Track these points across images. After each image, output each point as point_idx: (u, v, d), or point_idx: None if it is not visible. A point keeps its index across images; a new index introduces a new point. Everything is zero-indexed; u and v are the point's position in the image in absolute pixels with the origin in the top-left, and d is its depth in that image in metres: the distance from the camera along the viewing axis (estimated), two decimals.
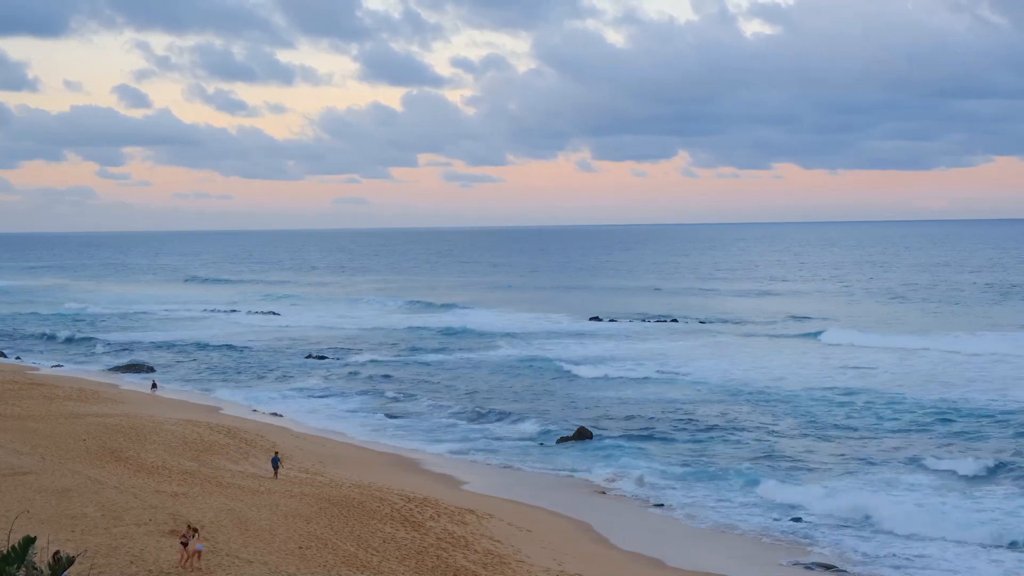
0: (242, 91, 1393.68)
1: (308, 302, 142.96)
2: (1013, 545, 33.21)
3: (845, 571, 31.54)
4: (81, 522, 31.79)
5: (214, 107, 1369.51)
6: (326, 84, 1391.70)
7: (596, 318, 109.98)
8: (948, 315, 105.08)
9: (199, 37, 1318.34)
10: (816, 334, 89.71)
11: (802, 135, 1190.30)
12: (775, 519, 36.75)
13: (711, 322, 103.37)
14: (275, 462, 42.05)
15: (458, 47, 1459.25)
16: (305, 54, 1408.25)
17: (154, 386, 67.10)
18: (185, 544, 28.01)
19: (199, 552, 28.11)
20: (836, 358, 75.46)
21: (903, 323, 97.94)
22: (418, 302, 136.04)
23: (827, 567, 31.84)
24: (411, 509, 36.47)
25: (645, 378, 68.71)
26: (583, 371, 72.45)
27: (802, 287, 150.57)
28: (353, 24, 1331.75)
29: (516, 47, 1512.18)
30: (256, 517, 33.81)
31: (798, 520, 36.56)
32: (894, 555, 32.82)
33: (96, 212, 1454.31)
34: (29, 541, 8.10)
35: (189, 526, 29.32)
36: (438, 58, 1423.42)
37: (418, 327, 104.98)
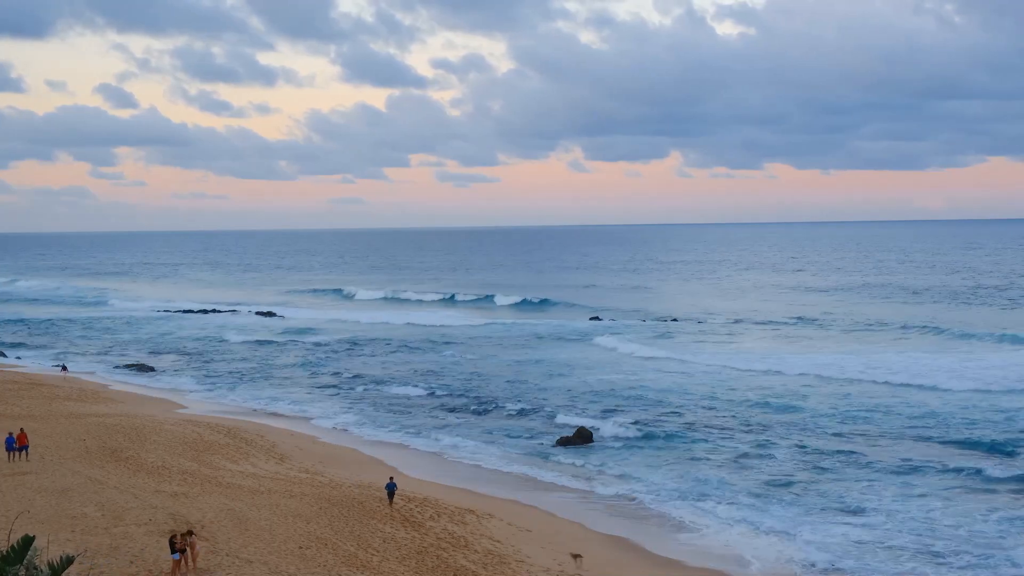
0: (224, 92, 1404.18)
1: (309, 302, 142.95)
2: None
3: (843, 570, 31.51)
4: (81, 522, 31.78)
5: (198, 107, 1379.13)
6: (309, 85, 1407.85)
7: (596, 318, 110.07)
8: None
9: (177, 39, 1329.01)
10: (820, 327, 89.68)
11: (791, 135, 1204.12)
12: (775, 519, 36.72)
13: (711, 322, 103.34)
14: (391, 488, 37.11)
15: (435, 49, 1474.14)
16: (284, 56, 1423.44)
17: (64, 368, 68.76)
18: (184, 551, 27.23)
19: (192, 541, 27.54)
20: (847, 357, 75.48)
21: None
22: (417, 302, 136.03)
23: (831, 566, 31.82)
24: (411, 509, 36.46)
25: (645, 378, 68.70)
26: (583, 371, 72.50)
27: (801, 286, 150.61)
28: (329, 26, 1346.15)
29: (493, 49, 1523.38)
30: (256, 517, 33.80)
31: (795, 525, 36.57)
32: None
33: (94, 212, 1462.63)
34: (28, 541, 8.13)
35: (184, 533, 28.06)
36: (418, 59, 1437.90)
37: (417, 326, 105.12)
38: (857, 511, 37.23)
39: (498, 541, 33.13)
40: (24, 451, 41.84)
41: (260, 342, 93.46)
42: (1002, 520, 35.63)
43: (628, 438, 50.09)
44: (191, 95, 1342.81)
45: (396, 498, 37.21)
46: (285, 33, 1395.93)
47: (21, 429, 43.53)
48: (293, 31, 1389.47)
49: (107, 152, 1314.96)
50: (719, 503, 38.59)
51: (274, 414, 58.43)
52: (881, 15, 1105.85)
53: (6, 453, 41.62)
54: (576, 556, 31.53)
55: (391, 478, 38.02)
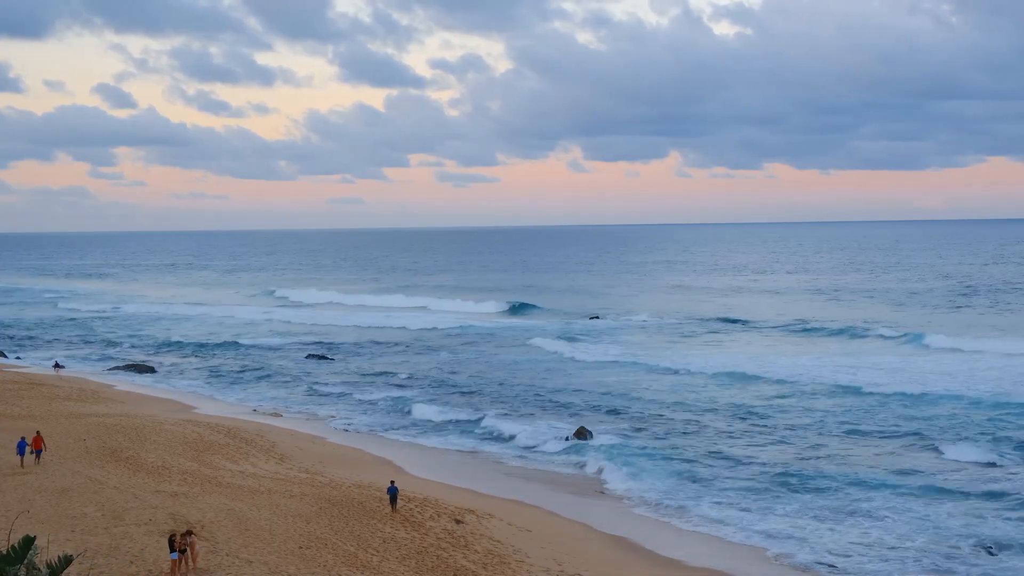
0: (223, 92, 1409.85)
1: (306, 302, 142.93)
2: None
3: (845, 571, 31.49)
4: (81, 522, 31.78)
5: (196, 107, 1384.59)
6: (307, 86, 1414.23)
7: (595, 317, 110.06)
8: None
9: (175, 40, 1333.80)
10: (812, 329, 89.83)
11: (790, 135, 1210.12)
12: (773, 520, 36.71)
13: (710, 322, 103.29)
14: (393, 492, 36.65)
15: (433, 49, 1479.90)
16: (282, 56, 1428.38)
17: (57, 366, 69.41)
18: (183, 551, 27.28)
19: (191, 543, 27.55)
20: (840, 355, 75.50)
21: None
22: (415, 300, 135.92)
23: (831, 566, 31.81)
24: (411, 509, 36.44)
25: (645, 378, 68.69)
26: (583, 371, 72.51)
27: (796, 286, 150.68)
28: (327, 27, 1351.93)
29: (491, 49, 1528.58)
30: (256, 517, 33.79)
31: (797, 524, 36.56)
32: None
33: (93, 212, 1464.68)
34: (29, 541, 8.12)
35: (184, 533, 28.20)
36: (415, 59, 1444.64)
37: (416, 326, 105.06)
38: (859, 512, 37.16)
39: (498, 541, 33.12)
40: (37, 455, 40.76)
41: (258, 343, 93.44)
42: (1009, 521, 35.60)
43: (627, 439, 50.05)
44: (189, 95, 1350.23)
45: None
46: (283, 33, 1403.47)
47: (37, 432, 42.41)
48: (291, 31, 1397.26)
49: (106, 152, 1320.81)
50: (719, 503, 38.55)
51: (274, 414, 58.42)
52: (878, 15, 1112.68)
53: (18, 458, 40.33)
54: (459, 521, 34.70)
55: (392, 482, 37.59)
